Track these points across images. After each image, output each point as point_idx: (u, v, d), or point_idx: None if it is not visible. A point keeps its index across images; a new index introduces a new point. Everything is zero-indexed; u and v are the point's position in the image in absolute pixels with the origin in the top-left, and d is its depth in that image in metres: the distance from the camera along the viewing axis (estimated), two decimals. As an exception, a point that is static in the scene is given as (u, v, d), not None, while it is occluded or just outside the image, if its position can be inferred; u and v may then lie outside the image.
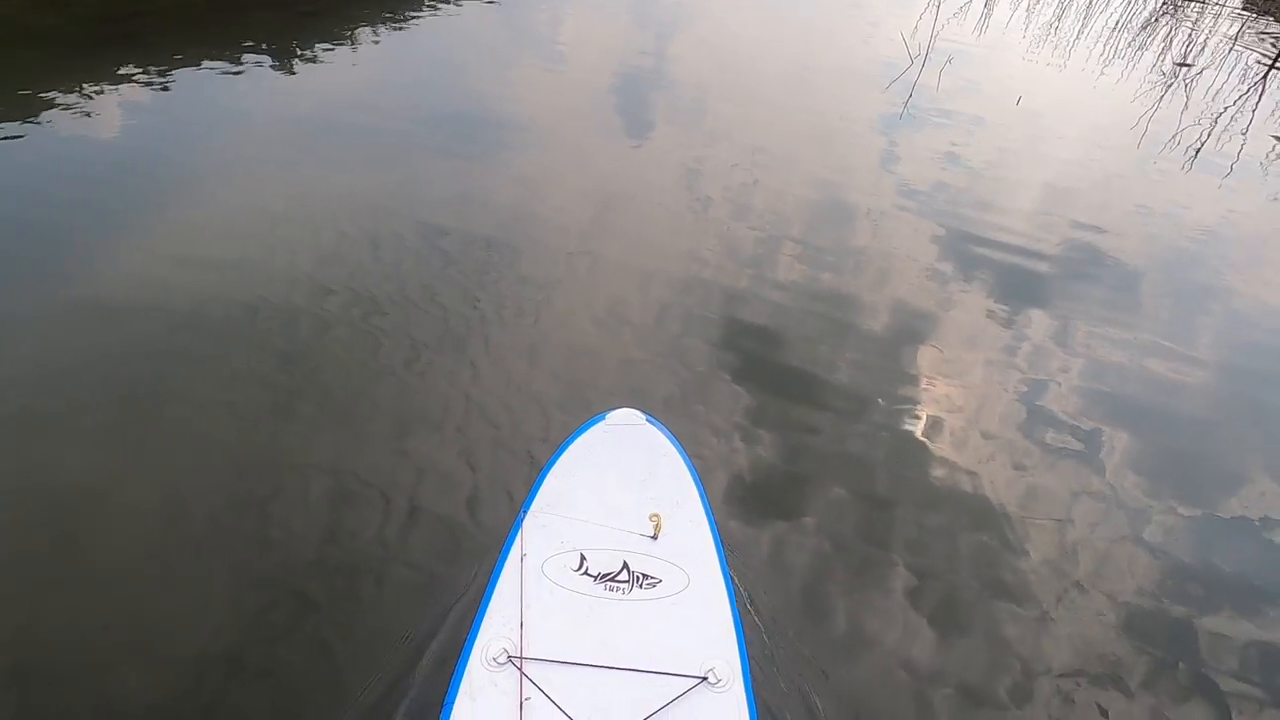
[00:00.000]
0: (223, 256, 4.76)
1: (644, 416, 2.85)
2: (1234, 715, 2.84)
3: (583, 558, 2.29)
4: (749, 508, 3.48)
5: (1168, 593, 3.31)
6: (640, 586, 2.22)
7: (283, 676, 2.60)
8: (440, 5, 11.12)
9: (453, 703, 1.91)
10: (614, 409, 2.88)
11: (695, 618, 2.16)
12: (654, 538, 2.36)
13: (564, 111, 7.72)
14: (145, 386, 3.73)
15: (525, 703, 1.87)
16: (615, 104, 8.11)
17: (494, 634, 2.07)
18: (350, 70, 8.36)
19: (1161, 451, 4.16)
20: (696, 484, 2.63)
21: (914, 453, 3.91)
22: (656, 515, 2.40)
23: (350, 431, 3.60)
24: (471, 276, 4.80)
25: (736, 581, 2.40)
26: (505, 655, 2.00)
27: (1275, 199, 7.89)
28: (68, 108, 6.57)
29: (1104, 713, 2.81)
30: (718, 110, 8.33)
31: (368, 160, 6.26)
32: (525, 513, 2.47)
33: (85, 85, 7.04)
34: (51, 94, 6.76)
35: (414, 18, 10.47)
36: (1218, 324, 5.49)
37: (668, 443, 2.76)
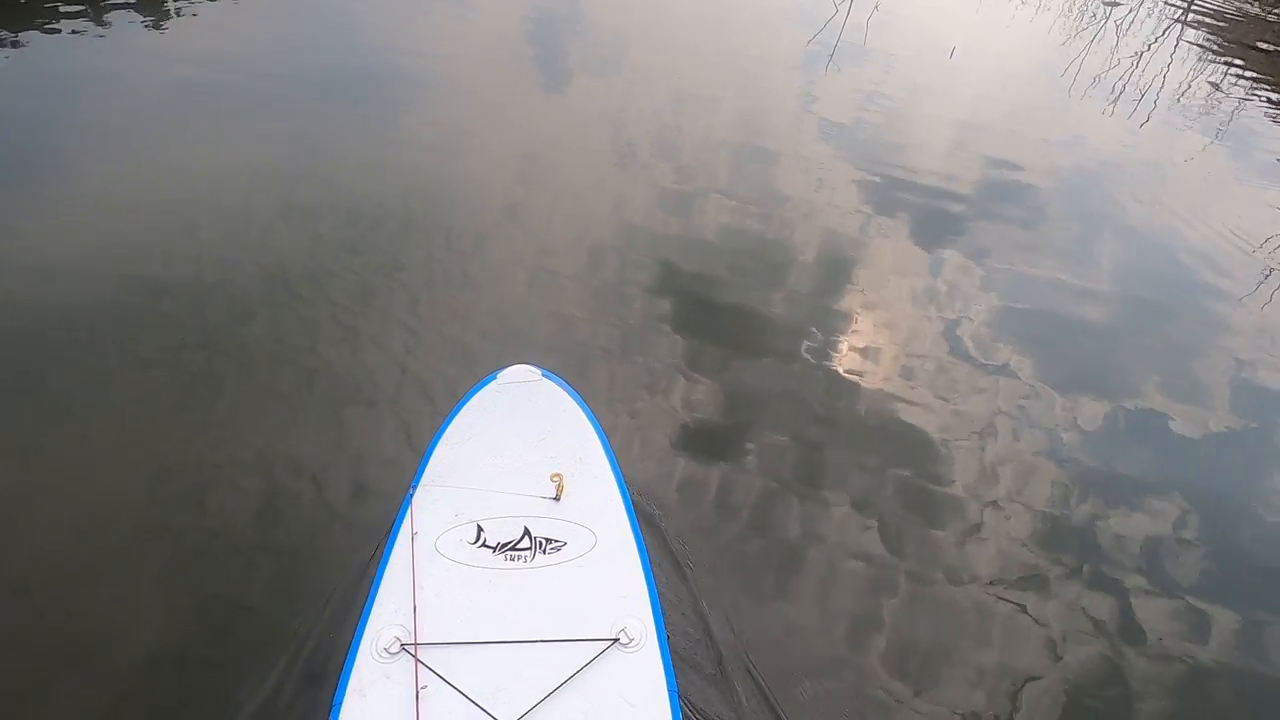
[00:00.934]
0: (110, 238, 4.32)
1: (539, 371, 2.66)
2: (1134, 604, 3.10)
3: (479, 529, 2.10)
4: (664, 458, 3.34)
5: (1076, 499, 3.55)
6: (544, 552, 2.06)
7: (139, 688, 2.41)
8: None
9: (341, 701, 1.72)
10: (506, 366, 2.69)
11: (604, 577, 2.01)
12: (556, 499, 2.19)
13: (474, 63, 7.34)
14: (36, 386, 3.36)
15: (421, 691, 1.70)
16: (528, 54, 7.77)
17: (385, 622, 1.88)
18: (232, 25, 7.69)
19: (1069, 369, 4.41)
20: (601, 438, 2.45)
21: (837, 387, 3.90)
22: (558, 475, 2.20)
23: (274, 407, 3.37)
24: (393, 240, 4.51)
25: (647, 536, 2.24)
26: (398, 644, 1.81)
27: (1182, 133, 8.36)
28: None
29: (1023, 610, 3.01)
30: (637, 58, 8.11)
31: (263, 126, 5.75)
32: (415, 488, 2.27)
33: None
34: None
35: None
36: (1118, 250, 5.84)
37: (567, 397, 2.58)
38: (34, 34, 6.76)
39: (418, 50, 7.42)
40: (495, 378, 2.64)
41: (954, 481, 3.52)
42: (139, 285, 3.96)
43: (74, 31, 6.89)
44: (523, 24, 8.50)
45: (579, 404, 2.57)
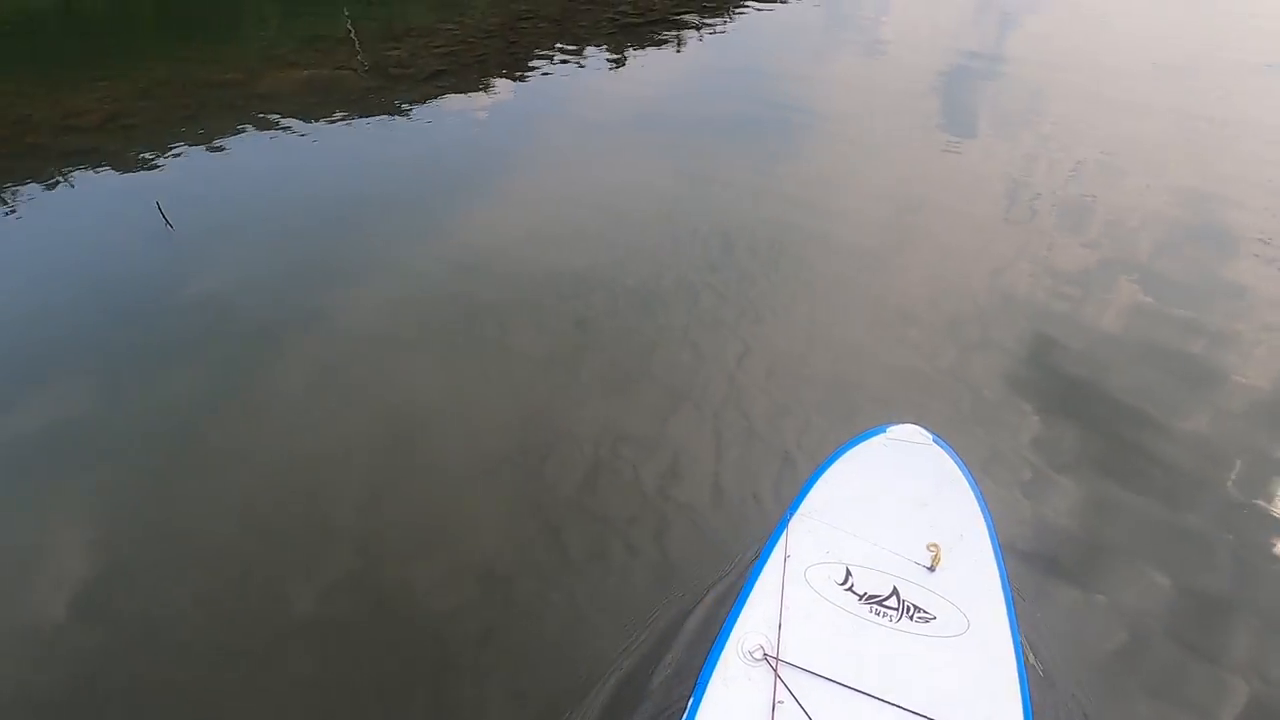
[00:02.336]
0: (540, 225, 5.44)
1: (930, 435, 2.61)
2: None
3: (848, 572, 2.18)
4: (1044, 560, 2.97)
5: None
6: (910, 618, 2.05)
7: (531, 610, 2.85)
8: (760, 4, 11.34)
9: (706, 684, 1.93)
10: (896, 423, 2.67)
11: (973, 667, 1.93)
12: (930, 569, 2.16)
13: (875, 108, 7.37)
14: (472, 329, 4.42)
15: (778, 705, 1.84)
16: (933, 103, 7.50)
17: (751, 628, 2.05)
18: (670, 65, 8.96)
19: None
20: (986, 519, 2.34)
21: (1272, 548, 3.01)
22: (935, 545, 2.19)
23: (623, 395, 3.85)
24: (754, 266, 4.82)
25: (1024, 638, 2.11)
26: (761, 652, 1.97)
27: None
28: (458, 95, 8.08)
29: None
30: (1056, 112, 7.25)
31: (669, 148, 6.66)
32: (792, 514, 2.39)
33: (466, 86, 8.58)
34: (452, 82, 8.38)
35: (738, 13, 10.83)
36: None
37: (955, 468, 2.50)
38: (541, 68, 8.80)
39: (814, 95, 7.74)
40: (884, 430, 2.67)
41: None
42: (550, 272, 4.85)
43: (560, 64, 8.79)
44: (932, 76, 8.25)
45: (967, 478, 2.49)
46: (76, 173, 6.78)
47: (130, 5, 15.14)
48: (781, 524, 2.38)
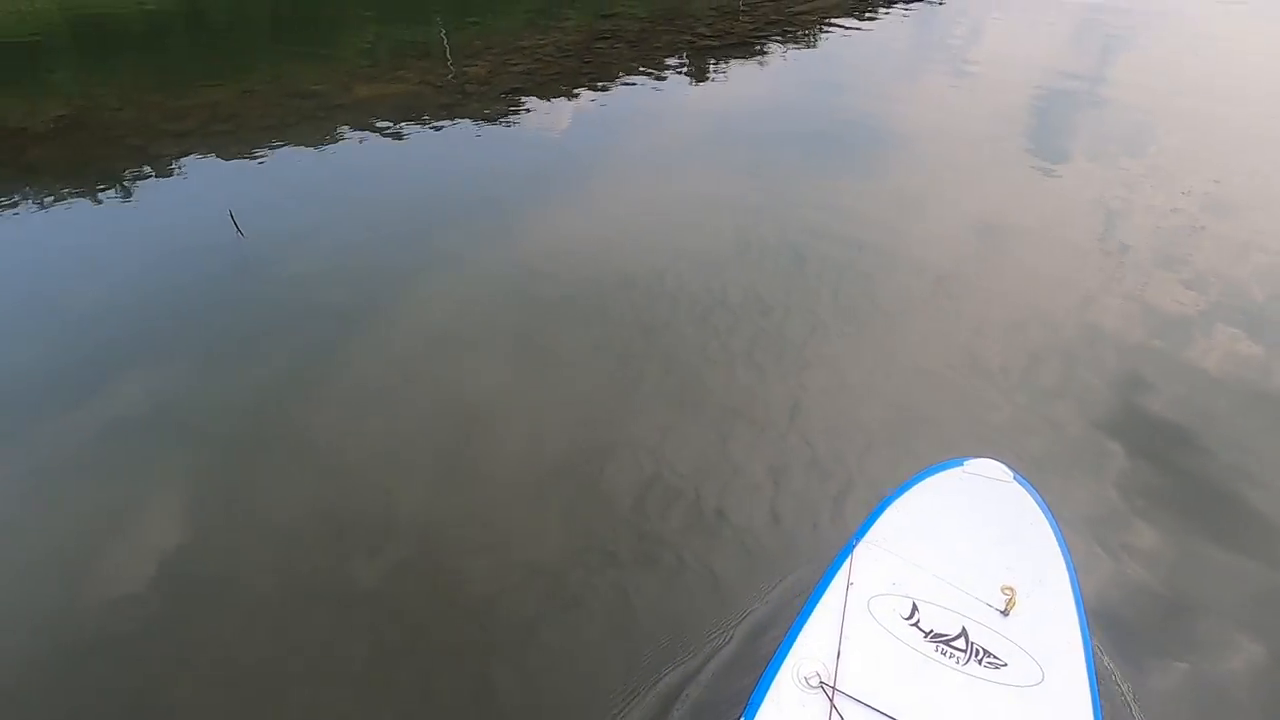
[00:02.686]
0: (612, 235, 5.51)
1: (1011, 472, 2.47)
2: None
3: (915, 607, 2.08)
4: (1128, 615, 2.78)
5: None
6: (979, 662, 1.94)
7: (579, 612, 2.87)
8: (845, 24, 11.19)
9: (758, 707, 1.88)
10: (975, 457, 2.55)
11: None
12: (1004, 613, 2.04)
13: (962, 130, 7.14)
14: (537, 331, 4.51)
15: None
16: (1025, 126, 7.21)
17: (807, 654, 1.98)
18: (747, 86, 8.95)
19: None
20: (1068, 564, 2.20)
21: None
22: (1010, 589, 2.07)
23: (683, 408, 3.84)
24: (824, 285, 4.74)
25: (1103, 696, 1.98)
26: (818, 679, 1.91)
27: None
28: (536, 111, 8.31)
29: None
30: (1162, 138, 6.85)
31: (744, 163, 6.63)
32: (858, 540, 2.31)
33: (548, 95, 8.81)
34: (530, 100, 8.63)
35: (823, 34, 10.73)
36: None
37: (1036, 508, 2.36)
38: (617, 87, 8.96)
39: (897, 114, 7.57)
40: (962, 464, 2.55)
41: None
42: (618, 281, 4.88)
43: (642, 77, 8.91)
44: (1026, 99, 7.93)
45: (1049, 520, 2.35)
46: (168, 172, 7.32)
47: (249, 10, 16.26)
48: (846, 549, 2.30)
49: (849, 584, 2.16)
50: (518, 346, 4.42)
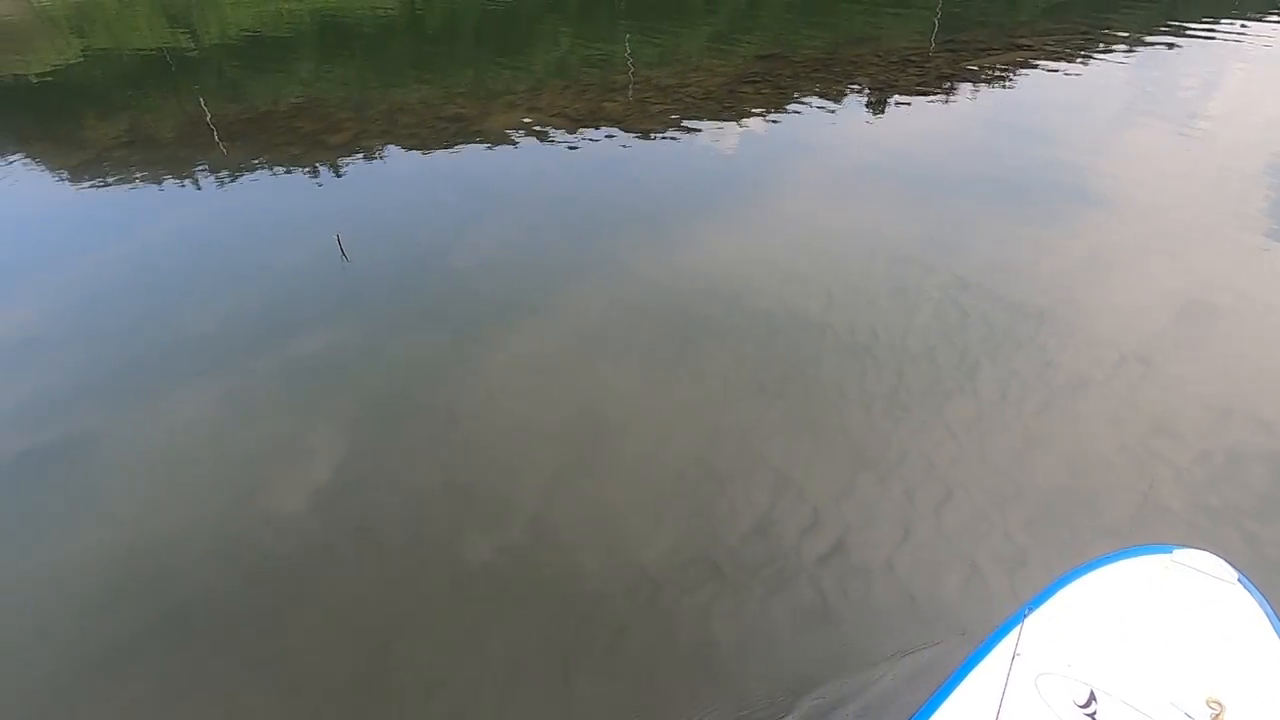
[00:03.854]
0: (763, 263, 5.47)
1: (1234, 572, 2.19)
2: None
3: (1093, 696, 1.86)
4: None
5: None
6: None
7: (673, 624, 2.91)
8: (1051, 65, 10.36)
9: None
10: (1186, 546, 2.30)
11: None
12: None
13: (1176, 192, 6.35)
14: (675, 346, 4.60)
15: None
16: (1254, 194, 6.29)
17: (958, 716, 1.83)
18: (929, 121, 8.53)
19: None
20: None
21: None
22: (1218, 704, 1.81)
23: (810, 442, 3.76)
24: (986, 344, 4.42)
25: None
26: None
27: None
28: (707, 132, 8.47)
29: None
30: None
31: (914, 205, 6.34)
32: (1030, 610, 2.11)
33: (722, 117, 8.94)
34: (701, 123, 8.80)
35: (1025, 71, 10.01)
36: None
37: (1262, 615, 2.06)
38: (786, 114, 8.93)
39: (1097, 169, 6.89)
40: (1169, 551, 2.30)
41: None
42: (764, 306, 4.85)
43: (817, 107, 8.80)
44: (1256, 163, 6.91)
45: (1277, 631, 2.05)
46: (383, 156, 8.22)
47: (458, 22, 17.93)
48: (1016, 618, 2.09)
49: (1015, 654, 1.95)
50: (655, 355, 4.54)
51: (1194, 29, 11.80)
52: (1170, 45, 11.02)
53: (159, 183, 8.01)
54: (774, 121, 8.65)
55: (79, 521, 3.60)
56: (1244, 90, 9.09)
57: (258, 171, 8.14)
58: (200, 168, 8.30)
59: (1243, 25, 12.01)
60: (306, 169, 8.12)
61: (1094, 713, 1.80)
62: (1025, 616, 2.07)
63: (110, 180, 8.14)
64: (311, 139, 9.07)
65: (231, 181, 7.88)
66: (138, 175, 8.25)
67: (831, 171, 7.22)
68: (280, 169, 8.19)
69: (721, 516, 3.38)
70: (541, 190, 7.14)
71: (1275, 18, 12.48)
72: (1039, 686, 1.86)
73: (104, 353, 4.94)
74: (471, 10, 18.84)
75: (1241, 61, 10.25)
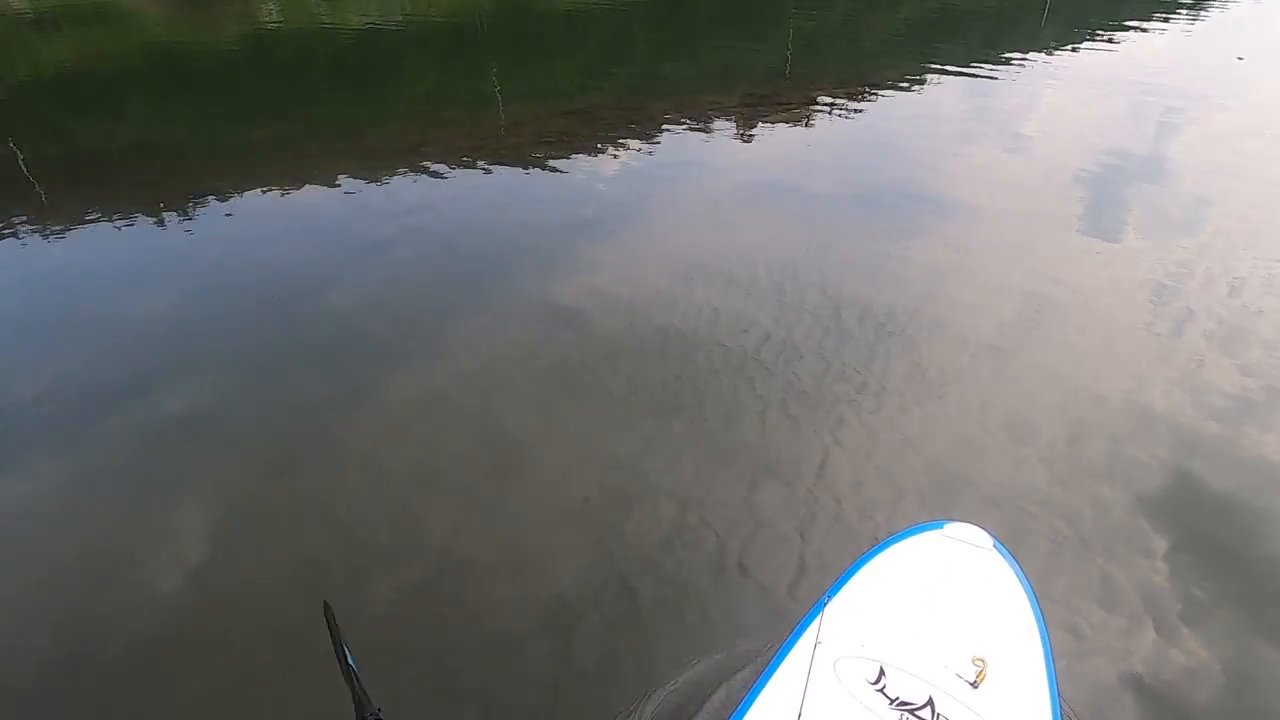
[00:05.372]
0: (647, 284, 5.56)
1: (990, 539, 2.41)
2: None
3: (882, 672, 1.98)
4: (1105, 706, 2.62)
5: None
6: None
7: (582, 649, 2.85)
8: (891, 89, 11.34)
9: None
10: (957, 520, 2.51)
11: None
12: (974, 685, 1.95)
13: (1007, 203, 7.09)
14: (573, 372, 4.55)
15: None
16: (1074, 202, 7.12)
17: (766, 714, 1.90)
18: (796, 142, 9.08)
19: None
20: (1044, 641, 2.11)
21: None
22: (981, 660, 2.00)
23: (712, 458, 3.80)
24: (862, 344, 4.69)
25: None
26: None
27: None
28: (581, 163, 8.54)
29: None
30: (1219, 219, 6.67)
31: (781, 221, 6.70)
32: (829, 599, 2.23)
33: (596, 150, 9.06)
34: (575, 156, 8.85)
35: (869, 96, 10.88)
36: None
37: (1015, 579, 2.29)
38: (658, 144, 9.20)
39: (940, 183, 7.58)
40: (941, 526, 2.48)
41: None
42: (654, 327, 4.91)
43: (688, 136, 9.11)
44: (1079, 171, 7.85)
45: (1028, 594, 2.25)
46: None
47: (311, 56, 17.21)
48: (818, 607, 2.22)
49: (816, 643, 2.07)
50: (551, 383, 4.47)
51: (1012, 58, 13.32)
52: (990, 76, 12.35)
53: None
54: (647, 152, 8.85)
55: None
56: (1053, 111, 10.33)
57: (88, 221, 7.34)
58: (17, 218, 7.38)
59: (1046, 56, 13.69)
60: (149, 214, 7.42)
61: (883, 687, 1.93)
62: (825, 605, 2.21)
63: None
64: (151, 183, 8.32)
65: (59, 232, 7.05)
66: (-61, 229, 7.21)
67: (707, 196, 7.47)
68: (116, 216, 7.42)
69: (629, 539, 3.35)
70: (420, 226, 6.90)
71: (1080, 44, 14.33)
72: (837, 670, 1.99)
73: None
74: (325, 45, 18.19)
75: (1051, 82, 11.67)
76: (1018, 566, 2.34)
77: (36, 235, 6.99)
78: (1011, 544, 2.45)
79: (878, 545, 2.48)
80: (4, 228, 7.15)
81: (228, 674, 2.82)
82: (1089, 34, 15.56)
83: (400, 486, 3.71)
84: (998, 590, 2.27)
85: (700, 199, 7.35)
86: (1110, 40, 14.98)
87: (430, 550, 3.33)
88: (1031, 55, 13.68)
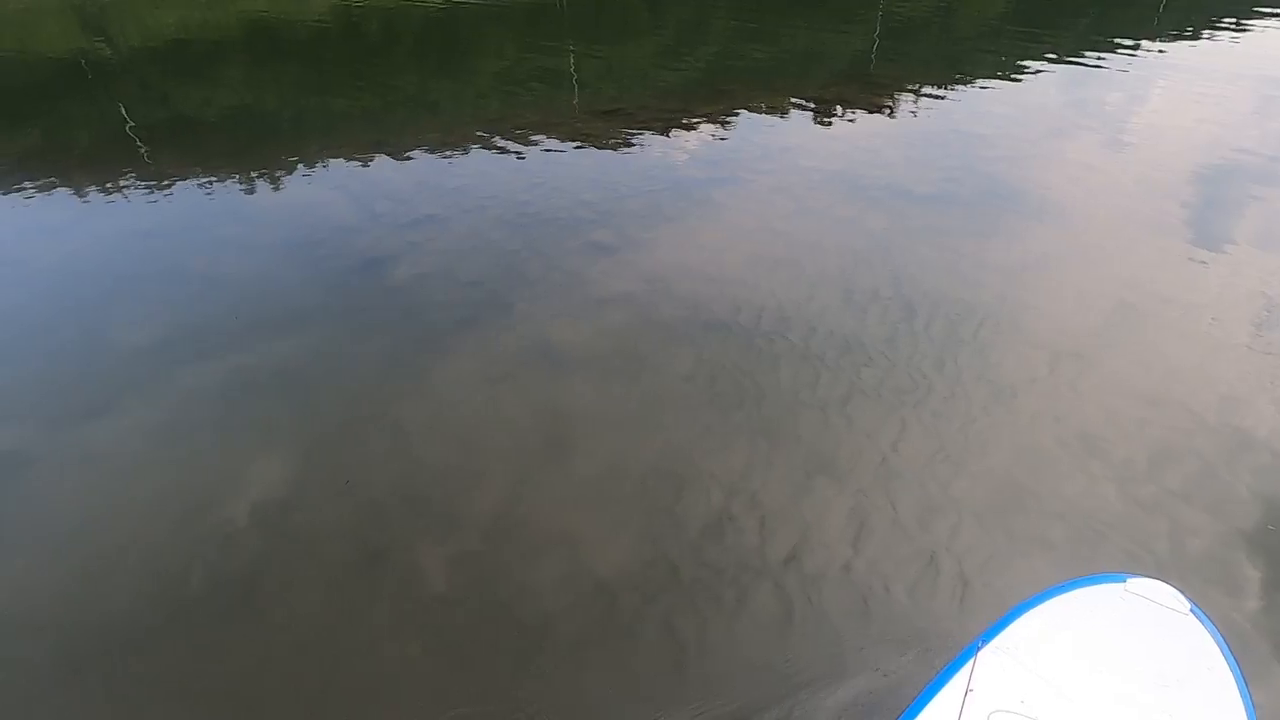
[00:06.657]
0: (717, 271, 5.49)
1: (1189, 604, 2.15)
2: None
3: None
4: None
5: None
6: None
7: (628, 636, 2.86)
8: (986, 77, 10.75)
9: None
10: (1140, 575, 2.28)
11: None
12: None
13: (1105, 204, 6.63)
14: (636, 354, 4.56)
15: None
16: (1179, 206, 6.59)
17: None
18: (877, 131, 8.73)
19: None
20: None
21: None
22: None
23: (767, 450, 3.74)
24: (932, 345, 4.50)
25: None
26: None
27: None
28: (655, 146, 8.47)
29: None
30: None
31: (859, 212, 6.46)
32: (984, 643, 2.06)
33: (670, 132, 8.96)
34: (650, 136, 8.79)
35: (962, 85, 10.35)
36: None
37: (1217, 651, 2.02)
38: (735, 128, 9.00)
39: (1031, 181, 7.15)
40: (1123, 580, 2.26)
41: None
42: (718, 316, 4.85)
43: (771, 122, 8.88)
44: (1186, 174, 7.26)
45: (1231, 668, 2.00)
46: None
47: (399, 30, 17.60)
48: (968, 651, 2.04)
49: (968, 690, 1.90)
50: (612, 364, 4.48)
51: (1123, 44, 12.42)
52: (1097, 65, 11.55)
53: (81, 194, 7.57)
54: (722, 137, 8.69)
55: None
56: (1166, 105, 9.57)
57: (189, 181, 7.77)
58: (125, 178, 7.89)
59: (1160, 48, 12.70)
60: (239, 180, 7.80)
61: None
62: (978, 650, 2.03)
63: (30, 191, 7.66)
64: (241, 150, 8.73)
65: (161, 192, 7.50)
66: (58, 186, 7.79)
67: (780, 184, 7.28)
68: (213, 179, 7.83)
69: (677, 525, 3.33)
70: (494, 200, 7.00)
71: (1196, 38, 13.22)
72: None
73: (33, 369, 4.61)
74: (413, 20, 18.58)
75: (1165, 73, 10.82)
76: (1221, 639, 2.08)
77: (140, 194, 7.44)
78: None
79: (1042, 592, 2.27)
80: (111, 186, 7.65)
81: (271, 607, 2.98)
82: (1212, 22, 14.34)
83: (458, 454, 3.80)
84: (1194, 663, 2.01)
85: (773, 187, 7.17)
86: (1236, 29, 13.77)
87: (480, 520, 3.40)
88: (1145, 44, 12.70)
